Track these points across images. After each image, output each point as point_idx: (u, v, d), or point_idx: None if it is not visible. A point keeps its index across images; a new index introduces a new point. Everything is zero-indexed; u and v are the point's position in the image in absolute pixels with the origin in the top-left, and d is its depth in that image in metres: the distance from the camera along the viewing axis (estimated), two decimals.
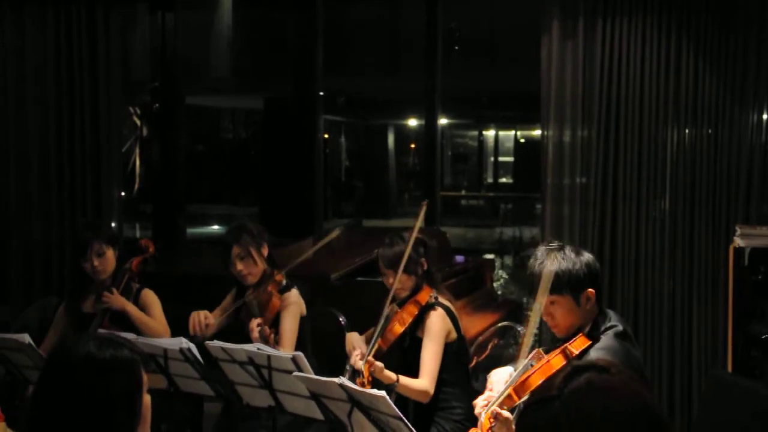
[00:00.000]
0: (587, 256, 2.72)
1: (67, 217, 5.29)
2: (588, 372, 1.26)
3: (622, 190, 4.61)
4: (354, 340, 3.48)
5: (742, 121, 4.48)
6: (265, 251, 3.69)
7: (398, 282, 3.34)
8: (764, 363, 3.92)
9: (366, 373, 3.10)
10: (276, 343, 3.41)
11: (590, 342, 2.63)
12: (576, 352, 2.60)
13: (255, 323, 3.45)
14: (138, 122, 15.90)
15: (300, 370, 2.86)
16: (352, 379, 3.09)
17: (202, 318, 3.60)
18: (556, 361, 2.59)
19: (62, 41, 5.23)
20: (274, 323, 3.55)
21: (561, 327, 2.71)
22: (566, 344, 2.64)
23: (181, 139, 6.30)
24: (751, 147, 4.47)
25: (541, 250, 2.73)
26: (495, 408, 2.50)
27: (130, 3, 5.70)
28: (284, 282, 3.64)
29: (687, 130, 4.55)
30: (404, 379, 3.23)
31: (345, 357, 3.92)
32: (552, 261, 2.66)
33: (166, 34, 5.85)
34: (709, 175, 4.53)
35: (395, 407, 2.50)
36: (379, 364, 3.15)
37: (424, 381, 3.27)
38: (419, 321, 3.39)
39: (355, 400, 2.63)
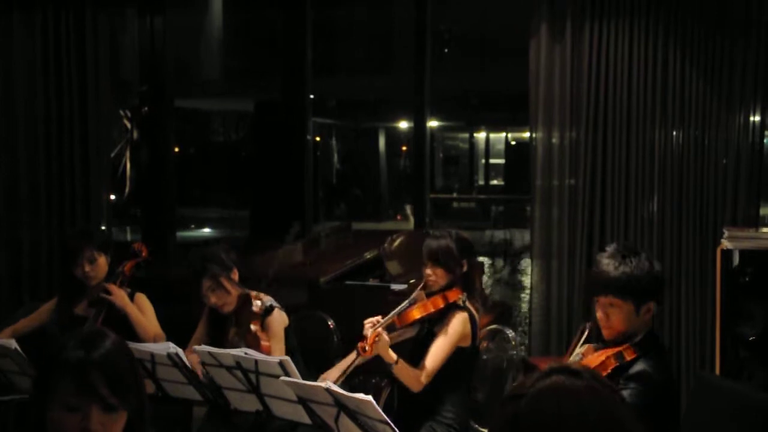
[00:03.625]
0: (658, 268, 2.71)
1: (56, 220, 5.27)
2: (558, 374, 1.27)
3: (610, 192, 4.62)
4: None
5: (729, 123, 4.49)
6: (235, 275, 3.58)
7: (434, 274, 3.38)
8: (752, 364, 3.93)
9: (370, 340, 3.09)
10: None
11: (636, 354, 2.64)
12: (628, 359, 2.63)
13: None
14: (128, 125, 15.87)
15: (287, 374, 2.85)
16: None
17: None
18: (609, 361, 2.63)
19: (50, 44, 5.21)
20: None
21: (613, 329, 2.70)
22: (620, 348, 2.65)
23: (170, 143, 6.29)
24: (738, 148, 4.48)
25: (613, 249, 2.71)
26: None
27: (119, 6, 5.69)
28: (263, 309, 3.49)
29: (674, 132, 4.56)
30: (403, 363, 3.23)
31: (334, 360, 3.92)
32: (626, 265, 2.65)
33: (155, 37, 5.84)
34: (696, 177, 4.54)
35: (381, 412, 2.50)
36: (386, 338, 3.15)
37: (422, 371, 3.27)
38: (442, 317, 3.39)
39: (341, 405, 2.63)
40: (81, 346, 1.71)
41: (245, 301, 3.56)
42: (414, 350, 3.41)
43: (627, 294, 2.64)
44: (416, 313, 3.36)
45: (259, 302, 3.50)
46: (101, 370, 1.68)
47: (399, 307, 3.30)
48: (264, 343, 3.47)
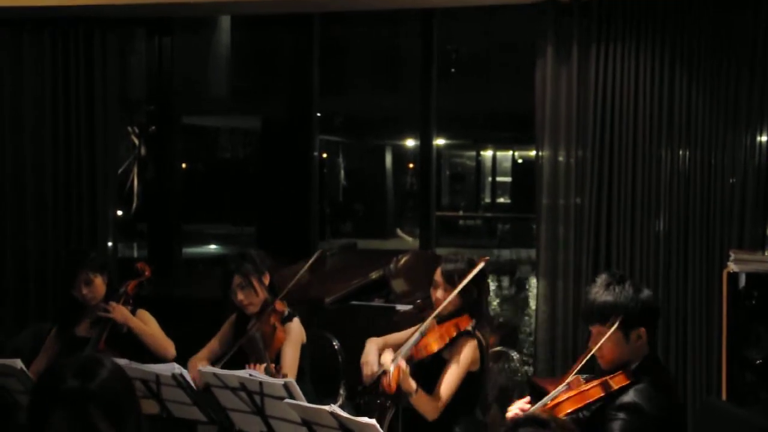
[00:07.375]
0: (646, 294, 2.72)
1: (62, 237, 5.29)
2: (525, 427, 1.27)
3: (616, 212, 4.62)
4: (371, 352, 3.46)
5: (736, 143, 4.49)
6: (267, 280, 3.67)
7: (446, 298, 3.35)
8: (759, 388, 3.91)
9: (395, 377, 3.09)
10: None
11: (629, 381, 2.62)
12: (615, 387, 2.61)
13: (261, 368, 3.35)
14: (136, 141, 15.91)
15: (291, 396, 2.85)
16: (352, 396, 3.08)
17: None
18: (593, 391, 2.62)
19: (59, 63, 5.26)
20: (278, 355, 3.53)
21: (606, 359, 2.71)
22: (607, 377, 2.64)
23: (176, 162, 6.31)
24: (745, 169, 4.48)
25: (601, 279, 2.74)
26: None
27: (127, 26, 5.74)
28: (286, 312, 3.63)
29: (681, 152, 4.57)
30: (421, 392, 3.24)
31: (338, 382, 3.91)
32: (609, 292, 2.68)
33: (163, 58, 5.88)
34: (702, 198, 4.53)
35: None
36: (406, 368, 3.16)
37: (437, 402, 3.28)
38: (452, 344, 3.39)
39: (345, 428, 2.62)
40: (77, 375, 1.64)
41: (270, 305, 3.59)
42: (418, 374, 3.37)
43: (612, 322, 2.64)
44: (434, 346, 3.33)
45: (284, 308, 3.60)
46: (99, 402, 1.62)
47: (413, 337, 3.29)
48: (280, 335, 3.52)
